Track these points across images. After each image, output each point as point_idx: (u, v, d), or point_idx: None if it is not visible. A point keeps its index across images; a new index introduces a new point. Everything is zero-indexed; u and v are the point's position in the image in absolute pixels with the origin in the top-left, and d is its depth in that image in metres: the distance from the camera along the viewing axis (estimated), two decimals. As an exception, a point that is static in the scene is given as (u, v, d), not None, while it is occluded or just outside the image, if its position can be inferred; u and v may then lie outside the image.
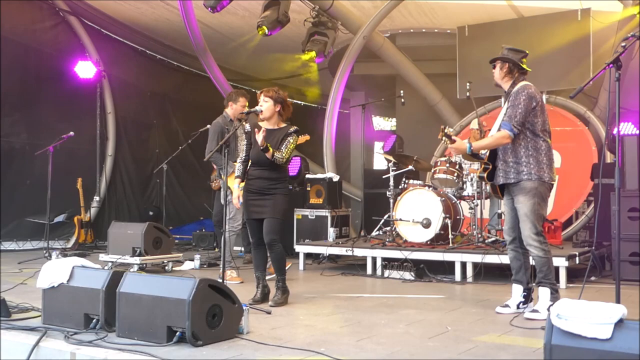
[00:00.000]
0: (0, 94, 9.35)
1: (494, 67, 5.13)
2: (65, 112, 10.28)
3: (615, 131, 4.50)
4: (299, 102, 14.12)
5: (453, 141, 5.02)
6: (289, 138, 5.38)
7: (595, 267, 6.98)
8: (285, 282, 5.46)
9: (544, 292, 4.80)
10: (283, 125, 5.49)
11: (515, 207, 4.93)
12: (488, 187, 5.34)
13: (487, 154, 5.12)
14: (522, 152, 4.87)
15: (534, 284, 5.07)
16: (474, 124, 8.03)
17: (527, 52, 5.14)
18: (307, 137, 7.88)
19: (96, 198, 11.01)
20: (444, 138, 5.06)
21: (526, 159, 4.86)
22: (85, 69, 10.62)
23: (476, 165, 7.70)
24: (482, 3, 9.58)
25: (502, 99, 8.83)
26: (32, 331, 4.19)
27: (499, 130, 4.94)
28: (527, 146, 4.87)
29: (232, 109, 7.19)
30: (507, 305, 5.08)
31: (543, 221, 4.97)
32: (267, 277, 5.59)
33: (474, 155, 5.17)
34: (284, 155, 5.32)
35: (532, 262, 5.03)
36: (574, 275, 6.61)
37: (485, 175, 5.14)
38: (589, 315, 2.74)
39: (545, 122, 4.94)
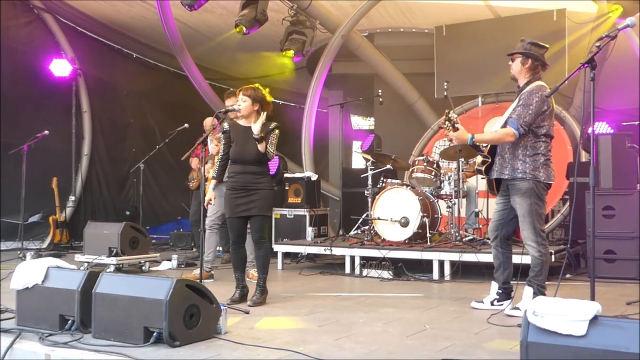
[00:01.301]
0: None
1: (513, 60, 4.95)
2: (39, 111, 10.13)
3: (590, 130, 4.54)
4: (277, 100, 14.08)
5: (456, 129, 4.94)
6: (272, 134, 5.37)
7: (571, 265, 7.07)
8: (265, 281, 5.45)
9: (528, 292, 4.82)
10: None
11: (513, 207, 4.91)
12: (485, 182, 5.28)
13: (488, 147, 5.08)
14: (520, 151, 4.83)
15: (515, 283, 5.10)
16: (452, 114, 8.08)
17: (548, 46, 5.03)
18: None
19: (72, 198, 10.87)
20: (446, 123, 4.95)
21: (523, 157, 4.81)
22: (60, 67, 10.47)
23: (453, 165, 7.76)
24: (459, 3, 9.63)
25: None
26: (6, 333, 4.13)
27: (504, 126, 4.89)
28: (526, 145, 4.82)
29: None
30: (481, 301, 5.15)
31: (543, 220, 4.94)
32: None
33: (474, 147, 5.13)
34: (272, 150, 5.34)
35: (515, 260, 5.07)
36: (549, 272, 6.60)
37: (483, 168, 5.10)
38: (565, 312, 2.77)
39: (550, 127, 4.87)
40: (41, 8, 10.49)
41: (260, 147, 5.21)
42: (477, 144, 5.02)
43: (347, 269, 7.35)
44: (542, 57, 4.93)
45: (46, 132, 8.68)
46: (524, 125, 4.75)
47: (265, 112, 5.27)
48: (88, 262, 7.21)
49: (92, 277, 4.19)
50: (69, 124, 10.95)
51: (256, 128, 5.17)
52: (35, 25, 10.52)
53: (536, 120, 4.78)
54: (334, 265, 7.67)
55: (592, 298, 3.69)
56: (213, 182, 5.59)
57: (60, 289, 4.24)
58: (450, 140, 5.18)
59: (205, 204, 5.55)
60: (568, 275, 6.81)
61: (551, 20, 9.16)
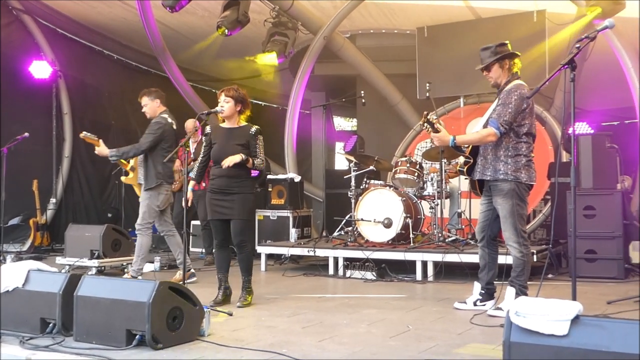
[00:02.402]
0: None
1: (489, 70, 4.97)
2: (19, 113, 10.02)
3: (570, 131, 4.58)
4: (260, 102, 14.06)
5: (436, 130, 4.94)
6: (257, 141, 5.38)
7: (552, 265, 7.12)
8: (250, 283, 5.46)
9: (510, 292, 4.84)
10: (243, 124, 5.46)
11: (496, 208, 4.94)
12: (467, 182, 5.30)
13: (470, 147, 5.09)
14: (502, 152, 4.84)
15: (498, 283, 5.13)
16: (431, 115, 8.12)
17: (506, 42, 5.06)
18: None
19: (52, 200, 10.76)
20: (425, 125, 4.96)
21: (504, 158, 4.83)
22: (40, 69, 10.35)
23: (437, 166, 7.79)
24: (440, 4, 9.68)
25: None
26: (-14, 337, 4.09)
27: (485, 126, 4.91)
28: (507, 147, 4.84)
29: None
30: (464, 302, 5.18)
31: (525, 221, 4.97)
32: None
33: (456, 148, 5.16)
34: (262, 159, 5.38)
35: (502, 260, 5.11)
36: (531, 272, 6.66)
37: (465, 169, 5.12)
38: (547, 312, 2.79)
39: (532, 125, 4.89)
40: (20, 9, 10.37)
41: (249, 165, 5.25)
42: (459, 145, 5.04)
43: (331, 270, 7.35)
44: (509, 52, 4.96)
45: (26, 134, 8.57)
46: (504, 124, 4.77)
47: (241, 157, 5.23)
48: (69, 265, 7.15)
49: (73, 280, 4.16)
50: (50, 125, 10.83)
51: (234, 160, 5.17)
52: (14, 26, 10.41)
53: (516, 119, 4.80)
54: (318, 267, 7.67)
55: (574, 298, 3.72)
56: (192, 183, 5.60)
57: (42, 292, 4.21)
58: (432, 142, 5.19)
59: (183, 204, 5.50)
60: (550, 275, 6.86)
61: (531, 21, 9.23)
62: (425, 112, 5.02)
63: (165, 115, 6.56)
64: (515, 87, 4.85)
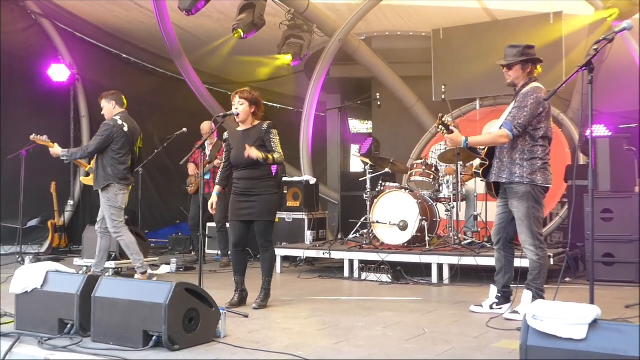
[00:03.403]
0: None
1: (510, 69, 4.93)
2: (38, 116, 10.13)
3: (588, 133, 4.55)
4: (275, 104, 14.09)
5: (451, 132, 4.93)
6: (270, 136, 5.37)
7: (570, 268, 7.06)
8: (270, 284, 5.48)
9: (527, 296, 4.81)
10: (256, 122, 5.48)
11: (511, 210, 4.92)
12: (484, 185, 5.28)
13: (485, 150, 5.06)
14: (518, 155, 4.82)
15: (514, 286, 5.10)
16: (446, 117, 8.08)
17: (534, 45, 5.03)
18: None
19: (70, 202, 10.86)
20: (440, 127, 4.95)
21: (520, 162, 4.80)
22: (59, 72, 10.48)
23: (453, 167, 7.76)
24: (456, 6, 9.65)
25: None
26: (5, 337, 4.13)
27: (500, 128, 4.88)
28: (523, 150, 4.81)
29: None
30: (480, 305, 5.15)
31: (541, 224, 4.93)
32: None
33: (471, 150, 5.15)
34: (279, 152, 5.37)
35: (517, 263, 5.08)
36: (548, 276, 6.59)
37: (480, 171, 5.10)
38: (564, 316, 2.77)
39: (548, 129, 4.85)
40: (39, 13, 10.49)
41: (269, 161, 5.29)
42: (472, 146, 5.03)
43: (346, 273, 7.35)
44: (535, 56, 4.93)
45: (45, 137, 8.67)
46: (518, 126, 4.74)
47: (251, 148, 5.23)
48: (87, 266, 7.20)
49: (91, 281, 4.20)
50: (68, 128, 10.95)
51: (254, 154, 5.18)
52: (33, 30, 10.54)
53: (532, 123, 4.77)
54: (333, 269, 7.67)
55: (592, 301, 3.69)
56: (217, 188, 5.59)
57: (60, 293, 4.25)
58: (446, 144, 5.17)
59: (210, 209, 5.53)
60: (567, 279, 6.81)
61: (548, 23, 9.17)
62: (440, 115, 5.01)
63: (117, 118, 6.61)
64: (532, 90, 4.81)
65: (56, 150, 6.61)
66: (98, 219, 6.69)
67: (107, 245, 6.68)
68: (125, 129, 6.56)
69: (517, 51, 4.89)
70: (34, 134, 6.80)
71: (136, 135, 6.76)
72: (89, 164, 7.22)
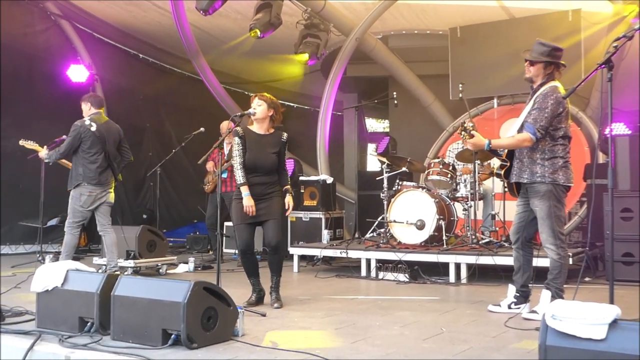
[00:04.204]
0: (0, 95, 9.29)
1: (533, 65, 4.88)
2: (57, 116, 10.18)
3: (607, 131, 4.51)
4: (292, 104, 14.11)
5: (472, 136, 4.92)
6: (285, 150, 5.52)
7: (589, 268, 7.00)
8: (279, 283, 5.50)
9: (545, 295, 4.78)
10: (272, 130, 5.49)
11: (533, 210, 4.89)
12: (501, 184, 5.26)
13: (506, 151, 5.06)
14: (538, 155, 4.80)
15: (531, 286, 5.08)
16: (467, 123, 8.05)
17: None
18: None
19: (89, 201, 10.95)
20: (462, 133, 4.94)
21: (541, 161, 4.78)
22: (78, 73, 10.56)
23: (469, 166, 7.74)
24: (473, 4, 9.60)
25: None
26: (26, 335, 4.19)
27: (521, 130, 4.85)
28: (544, 149, 4.79)
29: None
30: (498, 305, 5.12)
31: (563, 223, 4.90)
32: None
33: (492, 152, 5.14)
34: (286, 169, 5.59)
35: (534, 263, 5.06)
36: (567, 276, 6.62)
37: (502, 172, 5.07)
38: (584, 316, 2.75)
39: (567, 128, 4.83)
40: (58, 14, 10.60)
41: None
42: (494, 149, 5.00)
43: (363, 272, 7.35)
44: (560, 61, 4.90)
45: (64, 136, 8.72)
46: (541, 129, 4.72)
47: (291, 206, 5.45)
48: (106, 265, 7.26)
49: (110, 280, 4.23)
50: (86, 128, 11.03)
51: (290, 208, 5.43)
52: (52, 31, 10.65)
53: (552, 123, 4.75)
54: (350, 268, 7.67)
55: (611, 301, 3.66)
56: (245, 187, 5.33)
57: (80, 292, 4.29)
58: (467, 147, 5.16)
59: (250, 212, 5.30)
60: (587, 279, 6.76)
61: (566, 21, 9.10)
62: (462, 121, 4.98)
63: (86, 118, 6.78)
64: (551, 90, 4.78)
65: (42, 154, 7.00)
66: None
67: (112, 240, 6.81)
68: (93, 128, 6.72)
69: (545, 50, 4.85)
70: (22, 139, 6.98)
71: (111, 134, 6.90)
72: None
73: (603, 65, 3.86)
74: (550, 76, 4.88)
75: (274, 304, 5.35)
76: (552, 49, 4.85)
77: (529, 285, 5.11)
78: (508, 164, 5.02)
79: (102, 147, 6.72)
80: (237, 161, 5.39)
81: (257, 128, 5.46)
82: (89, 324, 4.22)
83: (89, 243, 10.23)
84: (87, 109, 6.94)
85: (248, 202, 5.29)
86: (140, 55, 11.91)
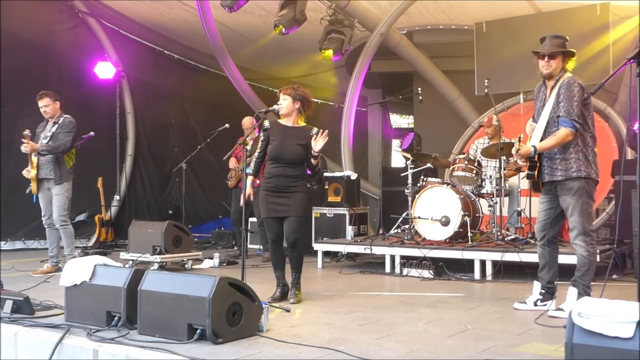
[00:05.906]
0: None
1: (554, 58, 4.86)
2: (85, 113, 10.31)
3: (635, 127, 4.45)
4: (317, 100, 14.11)
5: (517, 149, 4.85)
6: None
7: (617, 265, 6.91)
8: (300, 279, 5.53)
9: (572, 292, 4.73)
10: (302, 124, 5.50)
11: (561, 206, 4.82)
12: (527, 181, 5.22)
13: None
14: (571, 148, 4.74)
15: (557, 283, 5.03)
16: (494, 120, 7.98)
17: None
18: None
19: (116, 197, 11.11)
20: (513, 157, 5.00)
21: (575, 154, 4.73)
22: (105, 70, 10.71)
23: (493, 163, 7.67)
24: (499, -1, 9.52)
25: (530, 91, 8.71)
26: (55, 328, 4.27)
27: (549, 127, 4.80)
28: (576, 141, 4.73)
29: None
30: (524, 302, 5.08)
31: (592, 219, 4.86)
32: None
33: (518, 169, 5.12)
34: (319, 160, 5.55)
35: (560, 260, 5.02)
36: (595, 273, 6.55)
37: (535, 173, 4.93)
38: (611, 313, 2.73)
39: (592, 117, 4.82)
40: (85, 12, 10.73)
41: (315, 162, 5.36)
42: (540, 153, 4.90)
43: (387, 268, 7.34)
44: (570, 49, 4.92)
45: (92, 133, 8.85)
46: (578, 118, 4.67)
47: (325, 134, 5.33)
48: (133, 260, 7.36)
49: (137, 275, 4.29)
50: (114, 124, 11.18)
51: (318, 146, 5.27)
52: (80, 29, 10.80)
53: (582, 111, 4.72)
54: (374, 265, 7.66)
55: (639, 299, 3.62)
56: (250, 178, 5.57)
57: (107, 286, 4.35)
58: (515, 162, 5.12)
59: (242, 202, 5.47)
60: (614, 276, 6.67)
61: (594, 15, 8.96)
62: (515, 147, 4.88)
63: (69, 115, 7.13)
64: (573, 79, 4.78)
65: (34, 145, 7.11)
66: (44, 216, 7.17)
67: (73, 232, 7.18)
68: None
69: (561, 42, 4.88)
70: (27, 130, 7.08)
71: None
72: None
73: (632, 60, 3.80)
74: (564, 68, 4.87)
75: (290, 299, 5.38)
76: (564, 39, 4.88)
77: (555, 282, 5.06)
78: (538, 164, 4.93)
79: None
80: (256, 154, 5.60)
81: (285, 121, 5.51)
82: (116, 318, 4.28)
83: (116, 238, 10.36)
84: (57, 106, 7.24)
85: (248, 190, 5.49)
86: (166, 52, 12.02)
